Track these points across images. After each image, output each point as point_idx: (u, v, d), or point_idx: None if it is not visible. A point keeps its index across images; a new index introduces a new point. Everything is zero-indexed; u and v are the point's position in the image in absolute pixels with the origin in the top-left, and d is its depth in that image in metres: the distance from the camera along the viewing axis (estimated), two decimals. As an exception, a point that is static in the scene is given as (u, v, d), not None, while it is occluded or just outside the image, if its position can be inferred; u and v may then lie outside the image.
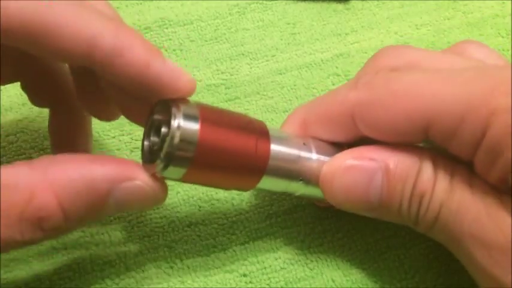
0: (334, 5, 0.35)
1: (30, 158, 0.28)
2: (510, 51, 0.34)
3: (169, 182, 0.28)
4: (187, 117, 0.19)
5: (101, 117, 0.25)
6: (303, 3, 0.35)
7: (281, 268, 0.25)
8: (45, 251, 0.25)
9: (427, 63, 0.22)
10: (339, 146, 0.24)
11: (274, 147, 0.21)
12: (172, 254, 0.26)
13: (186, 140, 0.18)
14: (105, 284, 0.25)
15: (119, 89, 0.21)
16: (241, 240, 0.26)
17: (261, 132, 0.21)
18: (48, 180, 0.18)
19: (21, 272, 0.25)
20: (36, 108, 0.29)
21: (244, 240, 0.26)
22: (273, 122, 0.30)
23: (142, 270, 0.25)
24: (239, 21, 0.34)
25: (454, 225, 0.20)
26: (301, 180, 0.23)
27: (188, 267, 0.25)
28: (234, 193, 0.27)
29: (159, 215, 0.27)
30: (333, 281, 0.25)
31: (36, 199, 0.18)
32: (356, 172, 0.22)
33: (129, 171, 0.19)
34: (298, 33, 0.33)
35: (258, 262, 0.26)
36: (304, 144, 0.23)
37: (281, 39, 0.33)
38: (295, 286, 0.25)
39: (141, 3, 0.34)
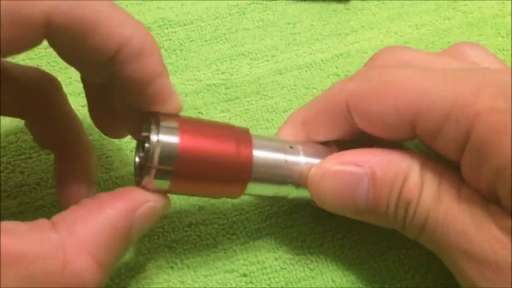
0: (334, 5, 0.35)
1: (30, 158, 0.28)
2: (510, 51, 0.34)
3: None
4: (166, 131, 0.19)
5: (111, 135, 0.26)
6: (303, 3, 0.35)
7: (281, 268, 0.25)
8: (45, 251, 0.25)
9: (423, 64, 0.23)
10: (328, 149, 0.24)
11: (258, 154, 0.22)
12: (172, 254, 0.26)
13: (166, 154, 0.19)
14: (106, 284, 0.25)
15: (126, 104, 0.21)
16: (242, 240, 0.26)
17: (243, 139, 0.22)
18: (77, 241, 0.18)
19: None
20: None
21: (244, 240, 0.26)
22: (273, 122, 0.30)
23: (143, 270, 0.25)
24: (239, 21, 0.34)
25: (442, 235, 0.20)
26: (290, 183, 0.23)
27: (188, 267, 0.25)
28: (234, 193, 0.27)
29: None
30: (333, 281, 0.25)
31: (73, 264, 0.17)
32: (342, 177, 0.22)
33: (138, 198, 0.20)
34: (298, 33, 0.33)
35: (258, 262, 0.26)
36: (291, 147, 0.23)
37: (281, 39, 0.33)
38: (295, 286, 0.25)
39: (141, 3, 0.34)
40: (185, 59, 0.32)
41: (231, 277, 0.25)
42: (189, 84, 0.31)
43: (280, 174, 0.22)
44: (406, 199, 0.21)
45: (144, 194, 0.20)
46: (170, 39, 0.33)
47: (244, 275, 0.25)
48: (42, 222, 0.18)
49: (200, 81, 0.31)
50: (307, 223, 0.27)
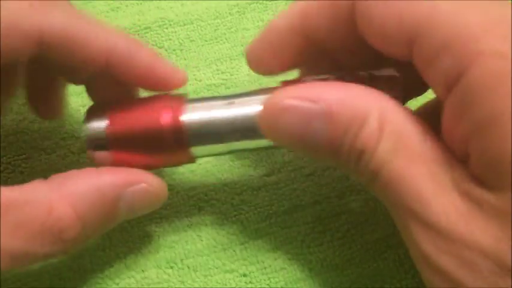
0: (334, 5, 0.35)
1: (30, 158, 0.28)
2: (510, 51, 0.34)
3: (169, 182, 0.28)
4: (95, 114, 0.22)
5: (45, 116, 0.27)
6: (303, 3, 0.35)
7: (281, 268, 0.26)
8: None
9: None
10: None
11: (193, 117, 0.22)
12: (172, 254, 0.26)
13: (96, 133, 0.22)
14: (105, 284, 0.25)
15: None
16: (241, 240, 0.26)
17: (177, 107, 0.22)
18: (64, 194, 0.20)
19: (21, 272, 0.25)
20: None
21: (244, 240, 0.26)
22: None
23: (142, 270, 0.25)
24: (239, 21, 0.34)
25: (394, 192, 0.18)
26: (236, 137, 0.22)
27: (188, 267, 0.25)
28: (233, 193, 0.27)
29: (159, 215, 0.27)
30: (333, 281, 0.25)
31: (55, 211, 0.19)
32: (295, 113, 0.20)
33: (133, 176, 0.22)
34: (298, 33, 0.33)
35: (258, 262, 0.26)
36: (229, 103, 0.22)
37: (281, 39, 0.33)
38: (295, 286, 0.25)
39: (141, 3, 0.34)
40: (185, 59, 0.32)
41: (231, 277, 0.25)
42: (189, 84, 0.31)
43: (221, 131, 0.22)
44: (360, 146, 0.19)
45: (141, 174, 0.22)
46: (170, 39, 0.33)
47: (244, 275, 0.25)
48: (36, 180, 0.20)
49: (200, 81, 0.31)
50: (307, 223, 0.27)
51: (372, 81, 0.21)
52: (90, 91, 0.24)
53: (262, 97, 0.22)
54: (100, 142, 0.22)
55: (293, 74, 0.24)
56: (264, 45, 0.23)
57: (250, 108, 0.22)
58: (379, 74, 0.22)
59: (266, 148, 0.23)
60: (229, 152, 0.23)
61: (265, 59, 0.23)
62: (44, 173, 0.27)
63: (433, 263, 0.18)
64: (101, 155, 0.22)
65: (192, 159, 0.23)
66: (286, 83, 0.22)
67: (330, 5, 0.21)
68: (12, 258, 0.19)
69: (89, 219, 0.20)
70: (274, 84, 0.32)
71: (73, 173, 0.21)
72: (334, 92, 0.20)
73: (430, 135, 0.19)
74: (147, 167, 0.23)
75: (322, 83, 0.21)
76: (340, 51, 0.22)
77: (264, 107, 0.21)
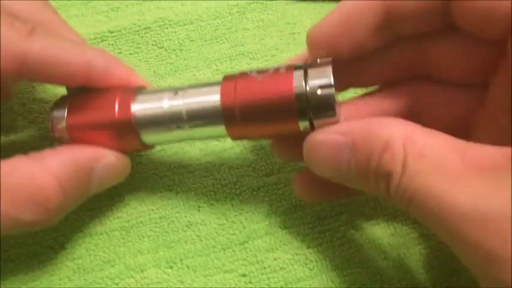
0: (334, 5, 0.35)
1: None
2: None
3: (168, 182, 0.28)
4: (58, 108, 0.24)
5: None
6: (303, 3, 0.35)
7: (280, 268, 0.25)
8: (44, 251, 0.25)
9: None
10: (215, 88, 0.23)
11: (139, 107, 0.24)
12: (171, 254, 0.26)
13: (58, 123, 0.24)
14: (105, 284, 0.25)
15: None
16: (241, 240, 0.26)
17: (125, 98, 0.24)
18: (45, 165, 0.22)
19: (21, 272, 0.25)
20: (36, 109, 0.29)
21: (243, 240, 0.26)
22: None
23: (142, 270, 0.25)
24: (239, 21, 0.34)
25: (432, 209, 0.18)
26: (180, 127, 0.24)
27: (188, 267, 0.25)
28: (233, 193, 0.27)
29: (158, 215, 0.27)
30: (332, 281, 0.25)
31: (38, 179, 0.21)
32: (326, 146, 0.21)
33: (103, 151, 0.24)
34: (298, 33, 0.33)
35: (258, 262, 0.26)
36: (174, 94, 0.24)
37: (281, 39, 0.33)
38: (294, 286, 0.25)
39: (141, 3, 0.34)
40: (185, 59, 0.32)
41: (230, 277, 0.25)
42: (189, 84, 0.31)
43: (165, 120, 0.24)
44: (386, 170, 0.19)
45: (110, 152, 0.24)
46: (170, 39, 0.33)
47: (244, 275, 0.25)
48: (18, 155, 0.22)
49: (200, 81, 0.31)
50: (307, 223, 0.27)
51: (306, 66, 0.22)
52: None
53: (206, 89, 0.24)
54: (61, 129, 0.24)
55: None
56: (338, 21, 0.22)
57: (195, 98, 0.24)
58: (315, 64, 0.22)
59: (215, 137, 0.25)
60: (180, 140, 0.25)
61: (334, 38, 0.22)
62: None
63: (500, 257, 0.16)
64: (62, 138, 0.24)
65: (146, 146, 0.25)
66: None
67: None
68: None
69: (69, 188, 0.22)
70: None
71: (49, 150, 0.23)
72: (359, 124, 0.21)
73: (470, 147, 0.18)
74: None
75: (350, 121, 0.21)
76: (415, 36, 0.22)
77: (306, 141, 0.22)
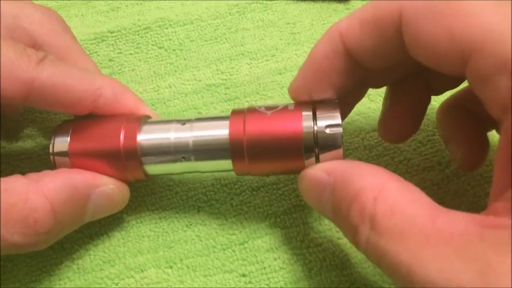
0: (334, 5, 0.35)
1: (29, 158, 0.28)
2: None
3: (168, 182, 0.28)
4: (61, 133, 0.24)
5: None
6: (303, 3, 0.35)
7: (280, 268, 0.25)
8: (44, 252, 0.25)
9: None
10: (223, 123, 0.24)
11: (144, 138, 0.24)
12: (171, 254, 0.26)
13: (60, 147, 0.24)
14: (105, 284, 0.25)
15: None
16: (241, 240, 0.26)
17: (131, 129, 0.24)
18: (40, 187, 0.21)
19: (21, 272, 0.25)
20: (36, 109, 0.29)
21: (243, 240, 0.26)
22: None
23: (142, 270, 0.25)
24: (239, 21, 0.34)
25: (402, 277, 0.17)
26: (182, 159, 0.24)
27: (188, 267, 0.25)
28: (232, 193, 0.27)
29: (158, 215, 0.27)
30: (332, 281, 0.25)
31: (31, 201, 0.21)
32: (313, 181, 0.22)
33: (102, 178, 0.23)
34: (298, 33, 0.33)
35: (257, 262, 0.26)
36: (183, 124, 0.24)
37: (281, 39, 0.33)
38: (294, 286, 0.25)
39: (141, 3, 0.34)
40: (185, 59, 0.32)
41: (230, 277, 0.25)
42: (189, 84, 0.31)
43: (170, 151, 0.24)
44: (352, 223, 0.19)
45: (110, 180, 0.24)
46: (170, 39, 0.33)
47: (243, 275, 0.25)
48: (15, 174, 0.22)
49: (200, 81, 0.31)
50: (306, 223, 0.27)
51: (314, 105, 0.23)
52: None
53: (214, 123, 0.24)
54: (62, 156, 0.24)
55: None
56: (310, 74, 0.23)
57: (203, 131, 0.23)
58: (321, 100, 0.23)
59: (220, 171, 0.25)
60: (183, 172, 0.25)
61: (312, 89, 0.23)
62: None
63: None
64: (63, 165, 0.24)
65: (148, 177, 0.25)
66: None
67: (374, 25, 0.21)
68: None
69: (62, 214, 0.22)
70: (272, 85, 0.32)
71: (48, 172, 0.23)
72: (343, 166, 0.21)
73: (442, 212, 0.18)
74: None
75: (341, 161, 0.21)
76: (382, 68, 0.23)
77: (300, 173, 0.23)
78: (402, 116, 0.26)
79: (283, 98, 0.31)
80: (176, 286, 0.25)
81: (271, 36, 0.33)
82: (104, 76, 0.25)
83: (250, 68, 0.32)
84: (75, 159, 0.24)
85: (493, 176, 0.19)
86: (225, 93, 0.31)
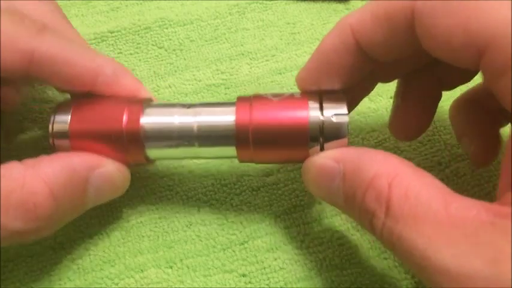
0: (334, 5, 0.35)
1: (30, 158, 0.28)
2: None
3: (168, 182, 0.28)
4: (61, 112, 0.23)
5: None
6: (303, 3, 0.35)
7: (280, 268, 0.25)
8: (44, 252, 0.25)
9: None
10: (230, 108, 0.23)
11: (148, 120, 0.23)
12: (171, 254, 0.26)
13: (60, 127, 0.23)
14: (105, 284, 0.25)
15: None
16: (241, 240, 0.26)
17: (134, 111, 0.23)
18: (38, 172, 0.21)
19: (21, 272, 0.25)
20: (36, 108, 0.29)
21: (243, 240, 0.26)
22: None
23: (142, 270, 0.25)
24: (239, 21, 0.34)
25: (417, 262, 0.18)
26: (187, 144, 0.23)
27: (188, 267, 0.25)
28: (233, 193, 0.27)
29: (158, 215, 0.27)
30: (332, 281, 0.25)
31: (28, 185, 0.20)
32: (321, 170, 0.22)
33: (101, 160, 0.23)
34: (298, 33, 0.33)
35: (257, 262, 0.26)
36: (188, 108, 0.24)
37: (281, 39, 0.33)
38: (294, 286, 0.25)
39: (141, 3, 0.34)
40: (185, 59, 0.32)
41: (230, 277, 0.25)
42: (189, 84, 0.31)
43: (173, 136, 0.23)
44: (369, 210, 0.19)
45: (109, 161, 0.23)
46: (170, 39, 0.33)
47: (243, 275, 0.25)
48: (13, 161, 0.22)
49: (200, 81, 0.31)
50: (306, 223, 0.27)
51: (321, 95, 0.23)
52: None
53: (219, 109, 0.23)
54: (62, 136, 0.23)
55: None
56: (319, 65, 0.23)
57: (208, 116, 0.23)
58: (327, 90, 0.23)
59: (222, 157, 0.25)
60: (184, 157, 0.24)
61: (320, 81, 0.23)
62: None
63: None
64: (62, 146, 0.23)
65: (148, 161, 0.24)
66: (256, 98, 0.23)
67: (386, 19, 0.21)
68: None
69: (62, 197, 0.21)
70: (272, 85, 0.32)
71: (45, 156, 0.22)
72: (353, 153, 0.21)
73: (455, 198, 0.18)
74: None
75: (348, 147, 0.22)
76: (392, 61, 0.22)
77: (305, 163, 0.23)
78: (414, 111, 0.26)
79: (283, 98, 0.31)
80: (176, 286, 0.25)
81: (271, 36, 0.33)
82: (103, 55, 0.24)
83: (250, 68, 0.32)
84: (75, 139, 0.23)
85: (502, 167, 0.19)
86: (225, 93, 0.31)
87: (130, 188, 0.27)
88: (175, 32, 0.33)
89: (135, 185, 0.27)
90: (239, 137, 0.23)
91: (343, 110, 0.22)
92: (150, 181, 0.28)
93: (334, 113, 0.22)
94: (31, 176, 0.21)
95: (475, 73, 0.24)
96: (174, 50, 0.32)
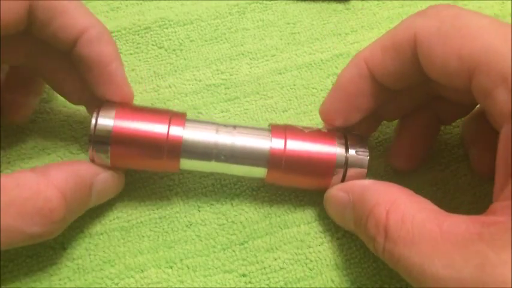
0: (334, 5, 0.35)
1: (30, 158, 0.28)
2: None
3: (168, 182, 0.28)
4: (104, 115, 0.24)
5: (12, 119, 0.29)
6: (303, 3, 0.35)
7: (280, 268, 0.25)
8: (44, 252, 0.25)
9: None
10: (267, 131, 0.25)
11: (188, 133, 0.24)
12: (171, 254, 0.26)
13: (101, 134, 0.24)
14: (105, 284, 0.25)
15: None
16: (241, 240, 0.26)
17: (176, 122, 0.24)
18: (50, 179, 0.22)
19: (21, 272, 0.25)
20: (36, 109, 0.29)
21: (243, 240, 0.26)
22: (272, 122, 0.30)
23: (142, 270, 0.25)
24: (239, 21, 0.34)
25: (415, 278, 0.19)
26: (222, 159, 0.25)
27: (188, 267, 0.25)
28: (233, 193, 0.27)
29: (158, 215, 0.27)
30: (333, 281, 0.25)
31: (43, 193, 0.21)
32: (335, 201, 0.25)
33: (99, 168, 0.25)
34: (298, 33, 0.33)
35: (258, 262, 0.26)
36: (225, 126, 0.25)
37: (281, 39, 0.33)
38: (294, 286, 0.25)
39: (141, 3, 0.34)
40: (185, 59, 0.32)
41: (230, 277, 0.25)
42: (189, 84, 0.31)
43: (210, 150, 0.24)
44: (371, 234, 0.21)
45: (102, 168, 0.25)
46: (170, 39, 0.33)
47: (244, 275, 0.25)
48: (21, 169, 0.23)
49: (200, 81, 0.31)
50: (307, 223, 0.27)
51: (345, 134, 0.26)
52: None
53: (256, 131, 0.25)
54: (103, 139, 0.24)
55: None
56: (339, 97, 0.25)
57: (245, 137, 0.25)
58: (352, 133, 0.26)
59: (249, 176, 0.26)
60: (212, 171, 0.26)
61: (342, 111, 0.25)
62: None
63: None
64: (102, 149, 0.24)
65: (175, 170, 0.25)
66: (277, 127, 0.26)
67: (393, 49, 0.23)
68: (4, 234, 0.21)
69: (71, 201, 0.23)
70: (273, 86, 0.32)
71: (53, 164, 0.24)
72: (359, 185, 0.24)
73: (447, 217, 0.20)
74: (137, 167, 0.26)
75: (359, 181, 0.25)
76: (403, 90, 0.25)
77: (325, 195, 0.26)
78: (411, 145, 0.28)
79: (283, 98, 0.31)
80: (176, 286, 0.25)
81: (271, 36, 0.33)
82: (96, 18, 0.25)
83: (250, 68, 0.32)
84: (116, 143, 0.24)
85: (495, 179, 0.20)
86: (225, 93, 0.31)
87: (131, 188, 0.27)
88: (175, 32, 0.33)
89: (135, 185, 0.27)
90: (272, 162, 0.25)
91: (365, 148, 0.25)
92: (150, 181, 0.28)
93: (357, 150, 0.25)
94: (45, 184, 0.22)
95: (472, 107, 0.27)
96: (174, 50, 0.32)
